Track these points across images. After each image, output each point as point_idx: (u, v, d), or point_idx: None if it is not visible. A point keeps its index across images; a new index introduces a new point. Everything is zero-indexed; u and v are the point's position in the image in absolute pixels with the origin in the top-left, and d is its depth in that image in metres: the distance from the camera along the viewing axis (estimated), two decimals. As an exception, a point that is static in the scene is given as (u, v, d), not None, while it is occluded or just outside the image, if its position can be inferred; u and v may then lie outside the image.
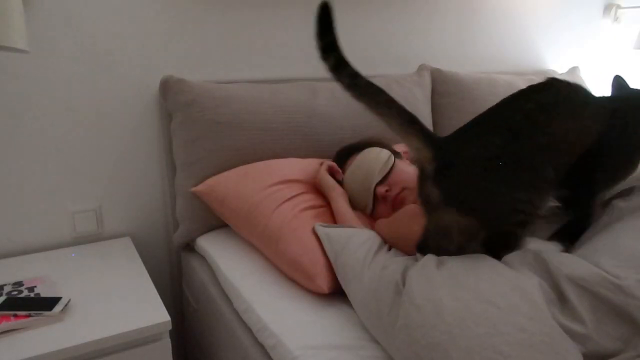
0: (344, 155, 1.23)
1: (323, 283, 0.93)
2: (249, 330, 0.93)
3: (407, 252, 0.90)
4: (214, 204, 1.20)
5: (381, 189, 1.11)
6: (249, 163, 1.27)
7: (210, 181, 1.22)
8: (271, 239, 1.04)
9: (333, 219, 1.10)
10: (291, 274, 1.00)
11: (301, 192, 1.14)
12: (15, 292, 1.00)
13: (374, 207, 1.13)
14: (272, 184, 1.15)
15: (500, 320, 0.63)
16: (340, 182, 1.16)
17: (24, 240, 1.25)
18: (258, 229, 1.08)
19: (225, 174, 1.22)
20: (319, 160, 1.30)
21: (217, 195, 1.18)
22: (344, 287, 0.90)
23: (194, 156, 1.25)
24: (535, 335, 0.61)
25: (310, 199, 1.13)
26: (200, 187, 1.22)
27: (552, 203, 0.95)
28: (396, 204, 1.09)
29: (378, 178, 1.11)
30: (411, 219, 0.93)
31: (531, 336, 0.61)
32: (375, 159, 1.14)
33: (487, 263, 0.73)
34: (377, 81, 1.56)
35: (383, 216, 1.08)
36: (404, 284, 0.76)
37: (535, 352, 0.60)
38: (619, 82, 1.06)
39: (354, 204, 1.13)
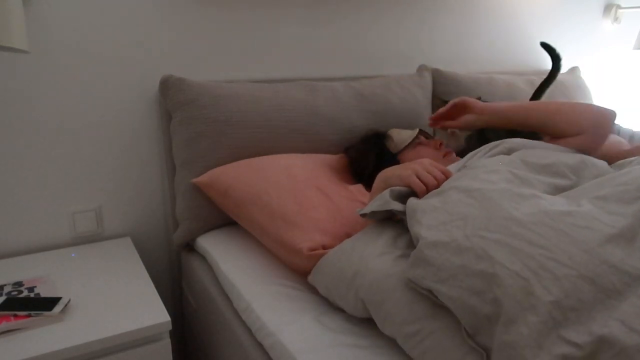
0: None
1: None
2: (248, 329, 0.93)
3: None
4: (216, 194, 1.19)
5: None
6: (248, 162, 1.27)
7: (213, 172, 1.21)
8: (275, 224, 1.04)
9: (341, 206, 1.09)
10: (288, 258, 1.00)
11: (308, 180, 1.14)
12: (15, 292, 1.00)
13: (414, 140, 1.25)
14: (278, 172, 1.15)
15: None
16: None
17: (24, 240, 1.25)
18: (263, 214, 1.07)
19: (229, 165, 1.22)
20: (321, 155, 1.31)
21: (221, 185, 1.18)
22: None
23: (193, 155, 1.25)
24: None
25: (317, 186, 1.13)
26: (202, 178, 1.22)
27: None
28: (448, 152, 1.23)
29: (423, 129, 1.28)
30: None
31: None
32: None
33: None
34: (377, 81, 1.59)
35: (426, 153, 1.22)
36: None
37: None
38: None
39: (395, 140, 1.27)
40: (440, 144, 1.27)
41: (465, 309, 0.65)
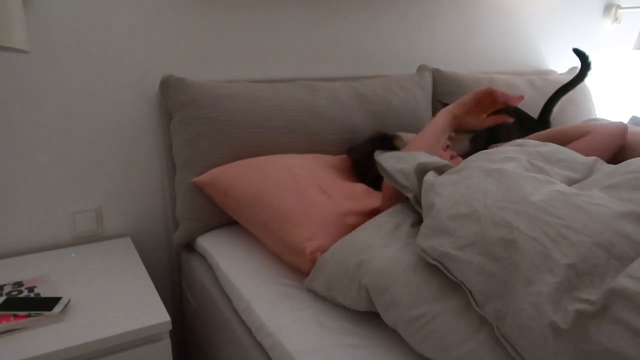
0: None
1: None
2: (248, 329, 0.93)
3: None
4: (217, 194, 1.19)
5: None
6: (249, 162, 1.27)
7: (213, 171, 1.21)
8: (277, 224, 1.04)
9: (343, 205, 1.09)
10: (290, 258, 1.01)
11: (309, 180, 1.14)
12: (15, 292, 1.00)
13: None
14: (279, 172, 1.15)
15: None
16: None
17: (24, 240, 1.25)
18: (265, 214, 1.07)
19: (229, 165, 1.23)
20: (322, 155, 1.31)
21: (221, 184, 1.18)
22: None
23: (193, 155, 1.25)
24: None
25: (318, 185, 1.13)
26: (202, 177, 1.22)
27: None
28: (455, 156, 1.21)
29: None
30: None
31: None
32: None
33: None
34: (377, 81, 1.59)
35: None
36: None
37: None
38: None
39: (404, 140, 1.25)
40: (447, 147, 1.26)
41: (484, 274, 0.66)
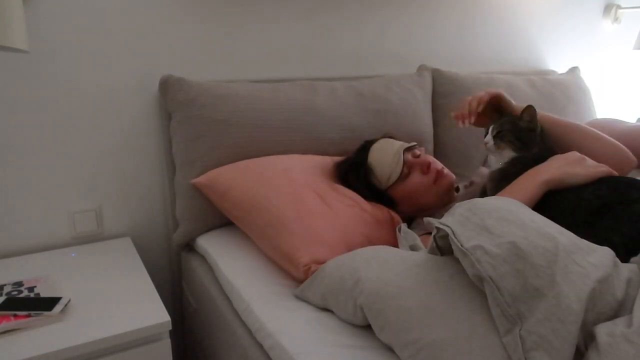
0: (366, 144, 1.27)
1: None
2: (248, 330, 0.93)
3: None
4: (215, 196, 1.19)
5: (410, 154, 1.21)
6: (249, 160, 1.26)
7: (212, 173, 1.21)
8: (273, 230, 1.04)
9: (339, 212, 1.08)
10: (285, 266, 1.01)
11: (307, 185, 1.14)
12: (15, 292, 1.00)
13: (401, 174, 1.18)
14: (277, 175, 1.15)
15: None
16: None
17: (24, 240, 1.25)
18: (262, 219, 1.07)
19: (227, 166, 1.22)
20: (321, 157, 1.31)
21: (219, 187, 1.18)
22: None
23: (193, 154, 1.25)
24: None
25: (316, 191, 1.13)
26: (201, 179, 1.22)
27: None
28: (439, 175, 1.19)
29: (407, 145, 1.22)
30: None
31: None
32: (399, 142, 1.24)
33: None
34: (377, 81, 1.58)
35: (417, 185, 1.18)
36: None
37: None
38: None
39: (378, 176, 1.19)
40: (428, 166, 1.20)
41: (517, 275, 0.66)
